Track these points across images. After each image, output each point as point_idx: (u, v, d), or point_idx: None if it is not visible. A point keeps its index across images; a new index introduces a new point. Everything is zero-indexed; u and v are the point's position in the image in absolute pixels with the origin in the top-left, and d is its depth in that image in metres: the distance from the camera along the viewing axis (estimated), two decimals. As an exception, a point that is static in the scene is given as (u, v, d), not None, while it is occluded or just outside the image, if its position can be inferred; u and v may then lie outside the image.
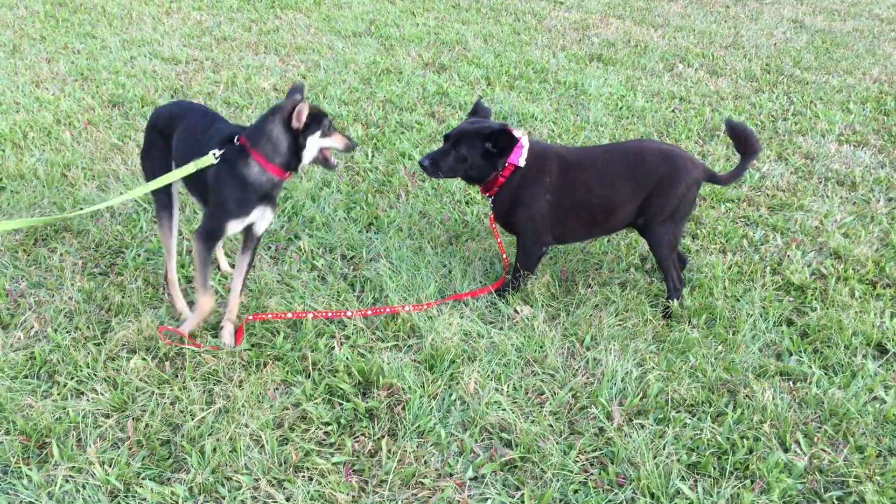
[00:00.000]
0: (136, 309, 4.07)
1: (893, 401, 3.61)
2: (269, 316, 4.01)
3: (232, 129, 3.73)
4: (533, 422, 3.44)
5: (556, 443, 3.33)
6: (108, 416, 3.40)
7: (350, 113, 7.17)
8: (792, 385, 3.72)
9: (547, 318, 4.18)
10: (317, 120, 3.62)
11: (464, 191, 5.64)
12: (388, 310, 4.09)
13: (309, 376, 3.68)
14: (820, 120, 7.50)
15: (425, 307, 4.14)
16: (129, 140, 6.23)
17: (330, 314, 4.05)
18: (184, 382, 3.58)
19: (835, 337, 4.06)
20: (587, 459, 3.27)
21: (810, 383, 3.72)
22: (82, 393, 3.53)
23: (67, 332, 3.91)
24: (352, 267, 4.63)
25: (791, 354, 3.98)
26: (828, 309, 4.31)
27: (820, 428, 3.46)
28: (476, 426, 3.40)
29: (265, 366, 3.73)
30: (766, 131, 7.20)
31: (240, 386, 3.58)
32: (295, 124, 3.55)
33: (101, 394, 3.49)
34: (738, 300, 4.40)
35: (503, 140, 3.95)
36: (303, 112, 3.51)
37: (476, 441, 3.35)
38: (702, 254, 4.89)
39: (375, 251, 4.78)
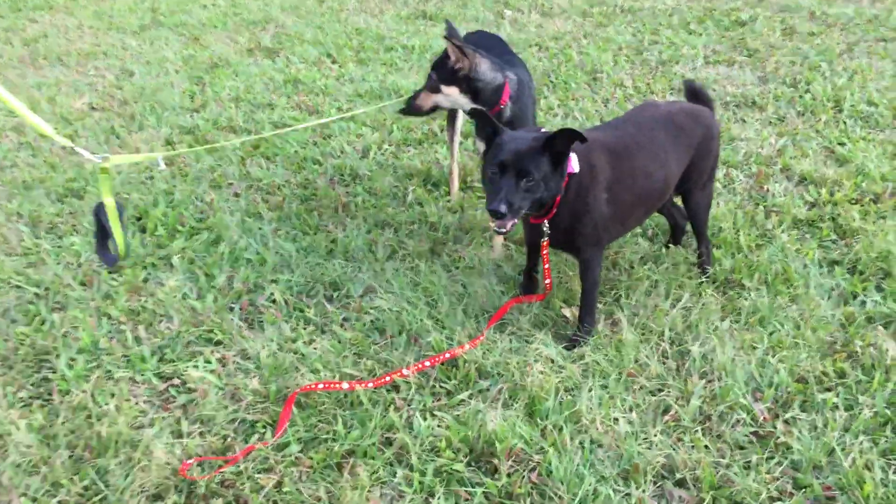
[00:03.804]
0: None
1: None
2: (321, 387, 3.18)
3: None
4: (694, 447, 2.94)
5: (728, 466, 2.87)
6: None
7: (206, 120, 6.08)
8: (889, 332, 3.51)
9: (605, 317, 3.68)
10: None
11: (419, 179, 4.92)
12: (447, 355, 3.37)
13: (407, 466, 2.92)
14: (679, 46, 7.48)
15: (480, 339, 3.48)
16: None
17: (388, 378, 3.27)
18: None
19: (886, 266, 3.91)
20: (772, 476, 2.83)
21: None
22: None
23: None
24: (347, 307, 3.83)
25: (855, 297, 3.78)
26: (852, 237, 4.18)
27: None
28: (641, 473, 2.84)
29: (341, 469, 2.91)
30: (638, 66, 7.05)
31: (328, 505, 2.75)
32: None
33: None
34: (759, 248, 4.14)
35: (566, 141, 3.11)
36: None
37: (645, 492, 2.80)
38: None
39: (362, 283, 3.99)
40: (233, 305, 3.87)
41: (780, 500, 2.73)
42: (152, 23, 8.99)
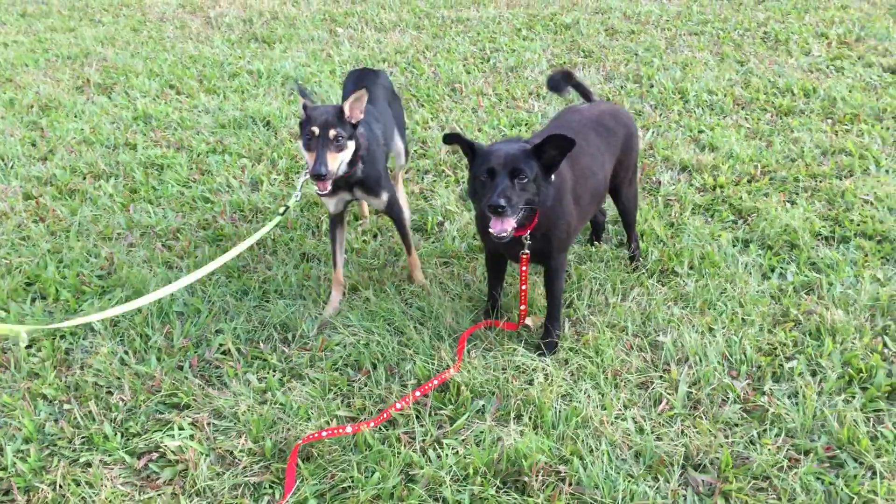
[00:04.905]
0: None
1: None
2: (325, 434, 3.03)
3: None
4: (698, 432, 3.10)
5: (734, 444, 3.06)
6: None
7: (62, 168, 5.56)
8: (814, 297, 3.88)
9: (566, 319, 3.78)
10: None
11: (320, 214, 4.78)
12: (435, 382, 3.33)
13: (440, 500, 2.85)
14: (521, 52, 7.77)
15: (461, 360, 3.47)
16: None
17: (387, 414, 3.17)
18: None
19: (790, 238, 4.31)
20: (776, 447, 3.04)
21: (827, 290, 3.90)
22: None
23: None
24: (307, 347, 3.67)
25: (773, 270, 4.13)
26: (749, 216, 4.56)
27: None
28: (665, 466, 2.95)
29: (376, 517, 2.80)
30: (490, 74, 7.26)
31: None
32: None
33: None
34: (676, 236, 4.43)
35: (556, 147, 3.12)
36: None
37: (670, 482, 2.91)
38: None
39: (314, 321, 3.84)
40: (181, 364, 3.59)
41: (791, 467, 2.94)
42: (-50, 66, 8.08)
